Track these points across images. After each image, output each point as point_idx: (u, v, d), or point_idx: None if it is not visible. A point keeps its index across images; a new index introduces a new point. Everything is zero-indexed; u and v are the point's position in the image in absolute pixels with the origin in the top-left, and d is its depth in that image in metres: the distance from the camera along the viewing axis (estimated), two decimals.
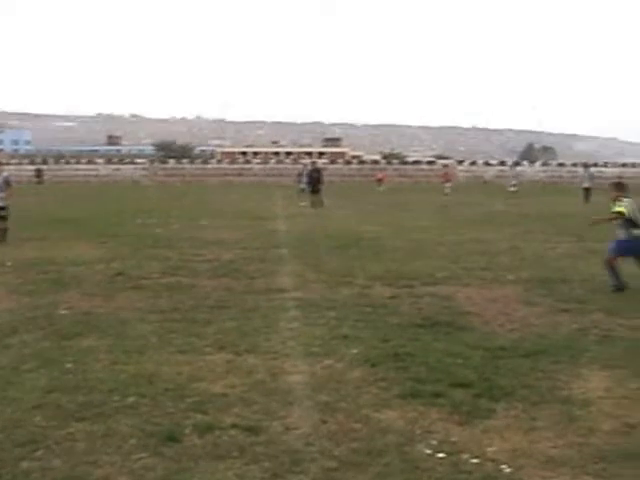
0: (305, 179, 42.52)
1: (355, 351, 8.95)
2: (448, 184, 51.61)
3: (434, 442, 6.15)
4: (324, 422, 6.60)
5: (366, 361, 8.52)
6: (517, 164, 65.13)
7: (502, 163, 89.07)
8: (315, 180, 38.55)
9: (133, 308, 11.61)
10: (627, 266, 13.11)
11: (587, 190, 42.38)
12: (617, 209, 13.20)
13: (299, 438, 6.23)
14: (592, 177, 44.66)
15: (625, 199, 13.29)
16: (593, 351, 9.03)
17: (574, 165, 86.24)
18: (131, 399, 7.17)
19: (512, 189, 48.97)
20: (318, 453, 5.91)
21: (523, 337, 9.79)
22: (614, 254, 13.15)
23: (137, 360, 8.59)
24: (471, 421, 6.65)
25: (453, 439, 6.24)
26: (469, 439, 6.24)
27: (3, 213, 21.15)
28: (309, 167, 43.05)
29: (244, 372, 8.15)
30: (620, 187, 13.52)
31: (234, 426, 6.46)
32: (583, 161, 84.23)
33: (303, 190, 45.54)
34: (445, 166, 66.53)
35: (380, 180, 60.58)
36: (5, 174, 22.07)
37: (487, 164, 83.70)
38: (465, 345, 9.27)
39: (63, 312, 11.29)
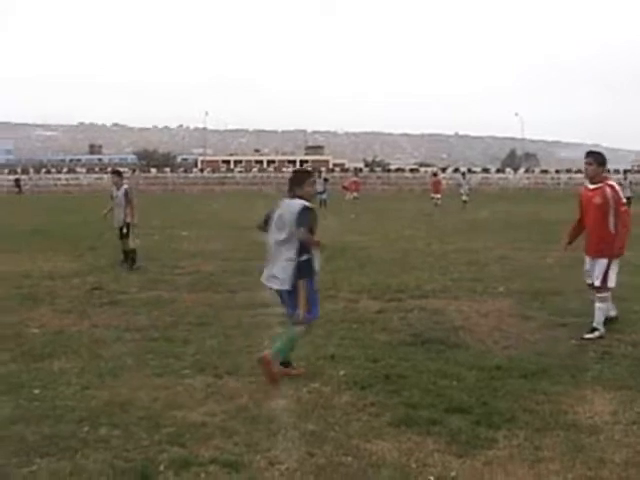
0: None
1: (343, 372, 8.41)
2: (437, 195, 47.33)
3: (432, 478, 5.62)
4: (311, 455, 6.05)
5: (355, 384, 7.98)
6: (468, 171, 61.74)
7: (485, 170, 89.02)
8: None
9: (108, 326, 11.03)
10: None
11: (628, 200, 38.62)
12: None
13: (284, 475, 5.69)
14: (631, 185, 40.47)
15: None
16: (594, 370, 8.52)
17: (557, 172, 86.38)
18: (102, 430, 6.60)
19: (465, 197, 46.83)
20: None
21: (520, 355, 9.26)
22: None
23: (111, 384, 8.03)
24: (471, 452, 6.12)
25: (452, 474, 5.70)
26: (470, 473, 5.71)
27: (124, 234, 17.99)
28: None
29: (225, 397, 7.60)
30: None
31: (213, 461, 5.90)
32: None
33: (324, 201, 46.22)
34: (434, 175, 63.82)
35: (345, 188, 56.52)
36: (126, 187, 18.44)
37: (470, 171, 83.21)
38: (459, 365, 8.73)
39: (34, 331, 10.71)
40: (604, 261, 10.35)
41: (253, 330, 10.69)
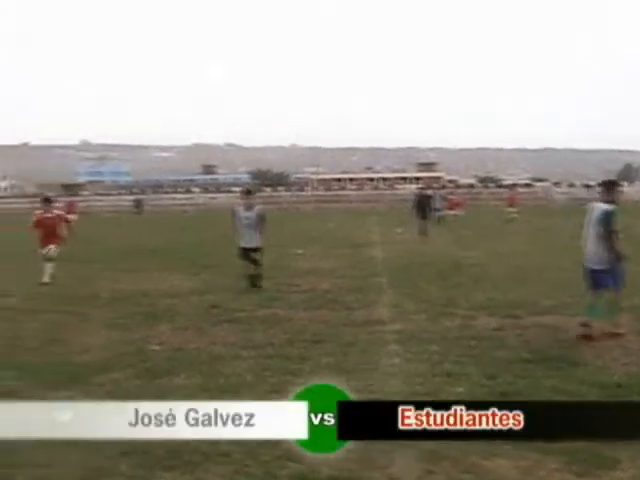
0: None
1: (460, 390, 8.38)
2: (511, 209, 46.68)
3: None
4: (430, 472, 6.06)
5: None
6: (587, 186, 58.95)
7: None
8: (424, 207, 37.12)
9: (226, 343, 11.22)
10: None
11: None
12: None
13: None
14: None
15: None
16: None
17: None
18: (224, 445, 6.73)
19: None
20: None
21: None
22: None
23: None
24: (592, 472, 6.02)
25: None
26: None
27: (258, 256, 17.77)
28: (417, 193, 41.79)
29: None
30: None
31: (331, 477, 5.95)
32: None
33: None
34: (512, 188, 60.93)
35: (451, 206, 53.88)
36: (259, 207, 18.55)
37: (587, 186, 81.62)
38: (578, 382, 8.59)
39: (155, 348, 11.00)
40: None
41: (369, 348, 10.72)
